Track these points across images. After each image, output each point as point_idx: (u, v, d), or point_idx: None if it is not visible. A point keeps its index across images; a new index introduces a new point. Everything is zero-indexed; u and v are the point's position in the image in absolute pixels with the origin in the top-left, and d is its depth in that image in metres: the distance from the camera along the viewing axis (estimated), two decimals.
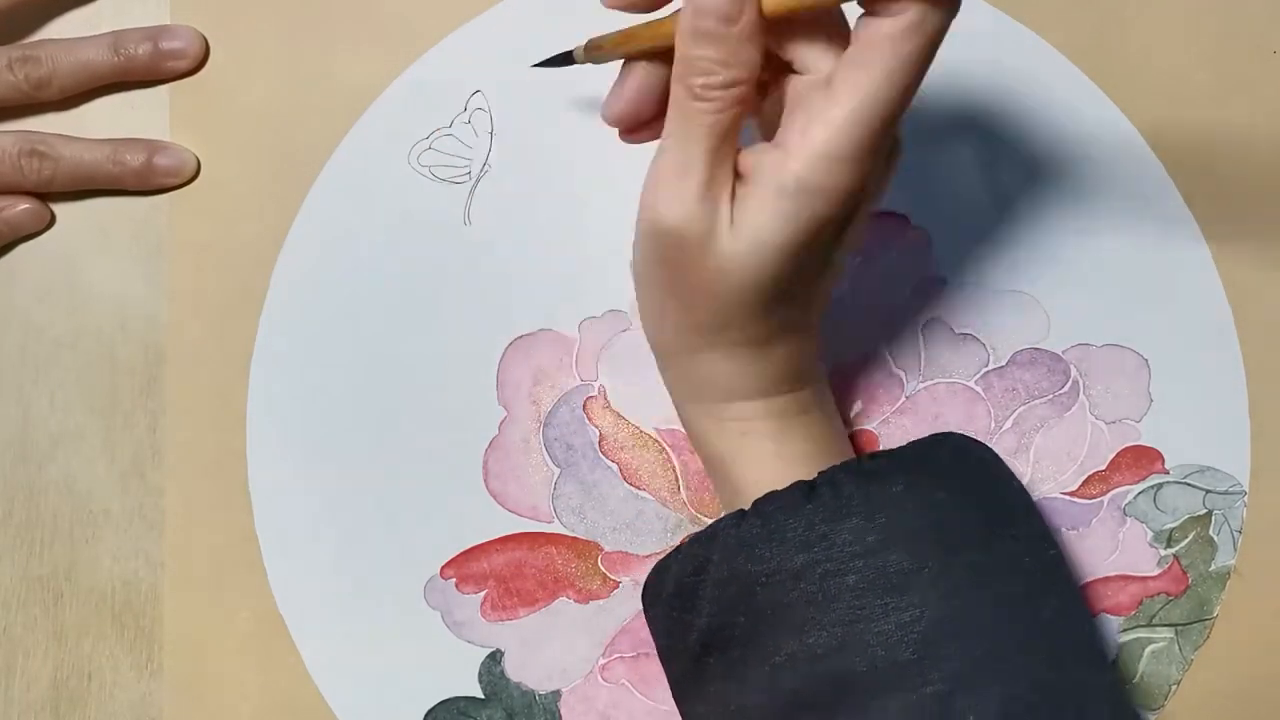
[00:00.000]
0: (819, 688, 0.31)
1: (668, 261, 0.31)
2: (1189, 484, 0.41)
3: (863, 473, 0.32)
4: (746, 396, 0.34)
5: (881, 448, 0.41)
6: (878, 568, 0.30)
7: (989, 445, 0.36)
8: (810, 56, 0.30)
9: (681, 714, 0.35)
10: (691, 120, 0.29)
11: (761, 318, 0.32)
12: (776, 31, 0.29)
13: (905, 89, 0.28)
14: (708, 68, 0.28)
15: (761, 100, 0.32)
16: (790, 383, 0.34)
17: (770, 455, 0.34)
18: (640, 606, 0.37)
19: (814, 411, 0.35)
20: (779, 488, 0.33)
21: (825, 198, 0.28)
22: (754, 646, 0.32)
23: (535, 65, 0.36)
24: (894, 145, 0.32)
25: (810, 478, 0.33)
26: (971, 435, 0.37)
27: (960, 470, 0.34)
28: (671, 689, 0.35)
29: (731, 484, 0.35)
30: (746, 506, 0.33)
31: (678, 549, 0.34)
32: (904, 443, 0.35)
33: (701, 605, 0.32)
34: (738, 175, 0.30)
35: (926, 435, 0.36)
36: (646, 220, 0.31)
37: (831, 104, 0.28)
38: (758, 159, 0.30)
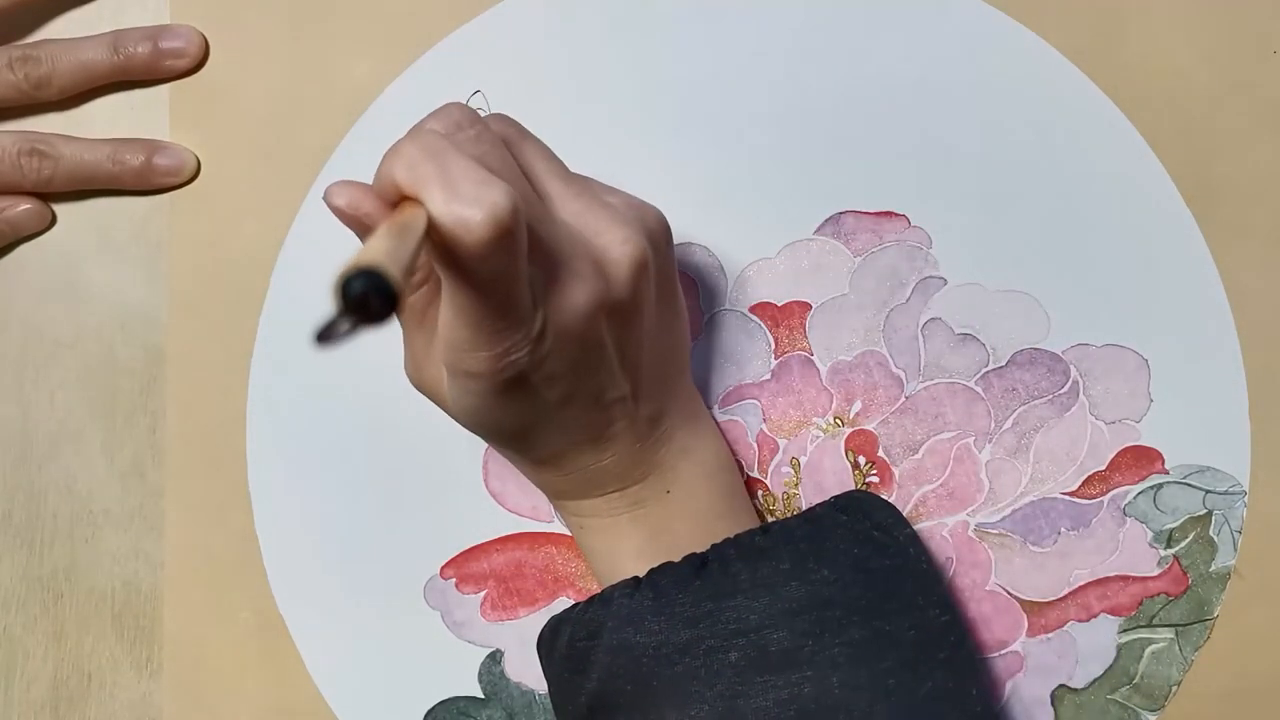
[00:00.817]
0: None
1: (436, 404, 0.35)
2: (1189, 484, 0.41)
3: (752, 550, 0.34)
4: (571, 497, 0.36)
5: (881, 449, 0.41)
6: (759, 646, 0.32)
7: (890, 504, 0.37)
8: None
9: None
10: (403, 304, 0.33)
11: (525, 447, 0.34)
12: None
13: (481, 300, 0.28)
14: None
15: None
16: (613, 484, 0.35)
17: (603, 548, 0.36)
18: None
19: (650, 504, 0.36)
20: (614, 580, 0.35)
21: (472, 378, 0.30)
22: (638, 715, 0.33)
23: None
24: (626, 253, 0.32)
25: (639, 573, 0.34)
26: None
27: (852, 541, 0.35)
28: None
29: (591, 568, 0.38)
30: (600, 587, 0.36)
31: (573, 606, 0.36)
32: (834, 494, 0.37)
33: (591, 670, 0.34)
34: None
35: (834, 497, 0.38)
36: (406, 374, 0.35)
37: (443, 301, 0.30)
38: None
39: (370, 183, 0.30)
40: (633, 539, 0.35)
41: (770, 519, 0.41)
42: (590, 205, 0.32)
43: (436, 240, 0.27)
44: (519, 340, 0.29)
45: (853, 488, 0.41)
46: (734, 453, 0.40)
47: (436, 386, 0.33)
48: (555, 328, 0.30)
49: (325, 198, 0.30)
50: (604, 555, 0.36)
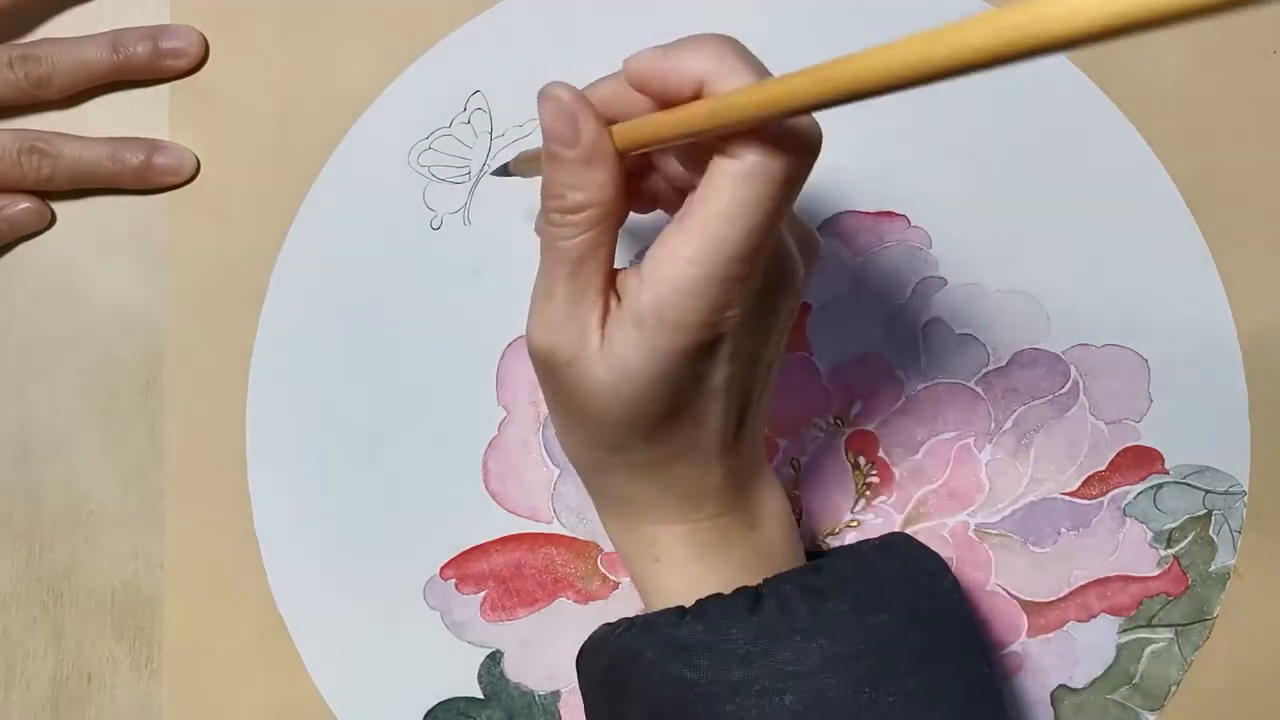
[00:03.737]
0: None
1: (548, 382, 0.31)
2: (1189, 484, 0.41)
3: (809, 589, 0.32)
4: (659, 520, 0.33)
5: (881, 449, 0.41)
6: (816, 691, 0.30)
7: (934, 552, 0.35)
8: (682, 178, 0.30)
9: None
10: (549, 244, 0.29)
11: (651, 441, 0.31)
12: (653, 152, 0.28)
13: (749, 231, 0.26)
14: (557, 191, 0.28)
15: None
16: (710, 506, 0.33)
17: (682, 585, 0.33)
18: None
19: (738, 543, 0.33)
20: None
21: (677, 330, 0.28)
22: None
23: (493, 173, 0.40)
24: (810, 247, 0.31)
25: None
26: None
27: (904, 588, 0.33)
28: None
29: (647, 602, 0.34)
30: None
31: (611, 628, 0.33)
32: (860, 538, 0.35)
33: (631, 700, 0.32)
34: (617, 296, 0.30)
35: (876, 539, 0.36)
36: (527, 342, 0.31)
37: (679, 239, 0.27)
38: (625, 283, 0.29)
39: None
40: (717, 576, 0.33)
41: None
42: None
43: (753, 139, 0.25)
44: (741, 298, 0.27)
45: (853, 488, 0.41)
46: None
47: (576, 356, 0.29)
48: (763, 298, 0.29)
49: (545, 90, 0.28)
50: (680, 593, 0.33)
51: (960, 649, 0.33)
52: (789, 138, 0.25)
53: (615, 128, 0.28)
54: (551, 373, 0.30)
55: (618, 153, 0.28)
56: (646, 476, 0.32)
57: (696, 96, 0.27)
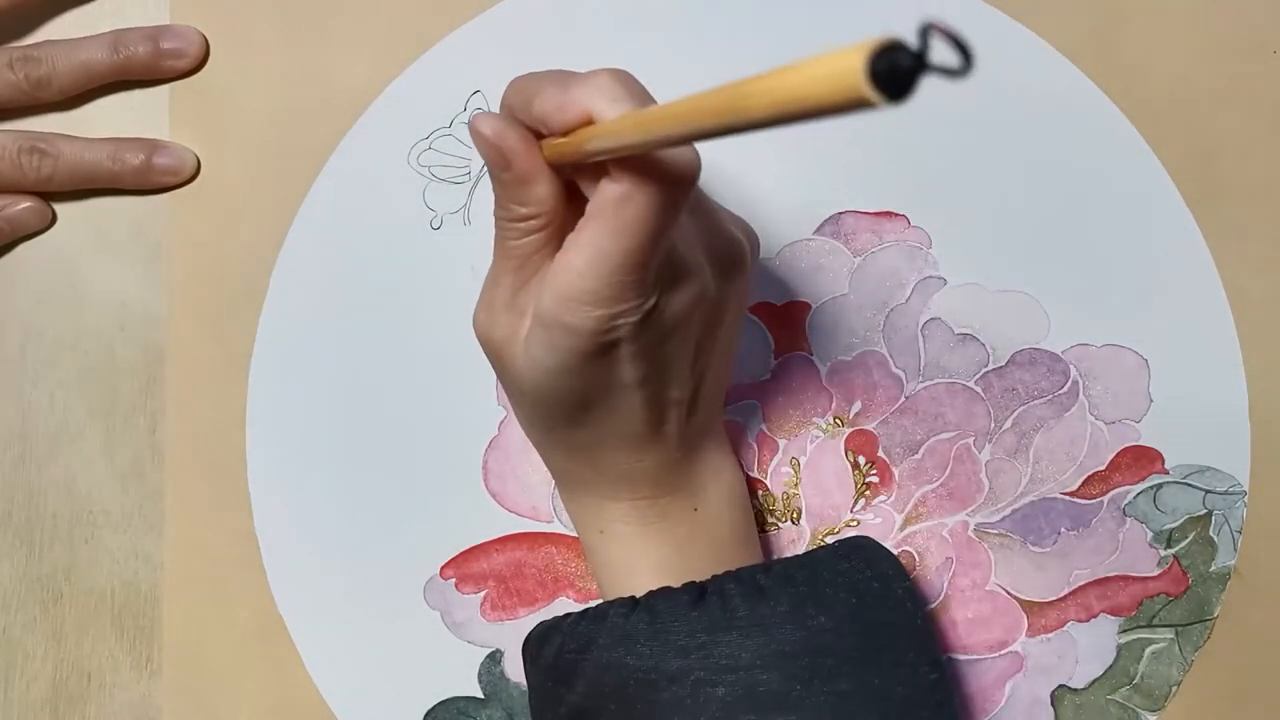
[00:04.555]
0: None
1: (491, 362, 0.34)
2: (1189, 484, 0.41)
3: (752, 587, 0.33)
4: (601, 495, 0.35)
5: (880, 449, 0.41)
6: (748, 684, 0.32)
7: (891, 554, 0.37)
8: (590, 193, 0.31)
9: None
10: (498, 242, 0.32)
11: (574, 426, 0.33)
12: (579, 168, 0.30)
13: (630, 250, 0.28)
14: (504, 203, 0.31)
15: None
16: (645, 488, 0.35)
17: (622, 559, 0.36)
18: None
19: (679, 522, 0.35)
20: (625, 595, 0.34)
21: (571, 333, 0.30)
22: None
23: None
24: (731, 258, 0.33)
25: (650, 587, 0.34)
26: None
27: (850, 590, 0.34)
28: None
29: (596, 577, 0.37)
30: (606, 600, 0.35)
31: (565, 616, 0.35)
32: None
33: (577, 683, 0.34)
34: None
35: (839, 541, 0.37)
36: (473, 322, 0.34)
37: (573, 250, 0.29)
38: (537, 285, 0.31)
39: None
40: (656, 552, 0.35)
41: (769, 519, 0.41)
42: (709, 201, 0.33)
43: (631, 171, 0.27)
44: (635, 305, 0.29)
45: (853, 488, 0.41)
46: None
47: (507, 338, 0.32)
48: (664, 306, 0.31)
49: (473, 125, 0.30)
50: (620, 567, 0.36)
51: (905, 655, 0.34)
52: (662, 166, 0.27)
53: (544, 143, 0.30)
54: (490, 353, 0.34)
55: (551, 166, 0.30)
56: (580, 457, 0.35)
57: (588, 124, 0.28)
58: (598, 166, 0.28)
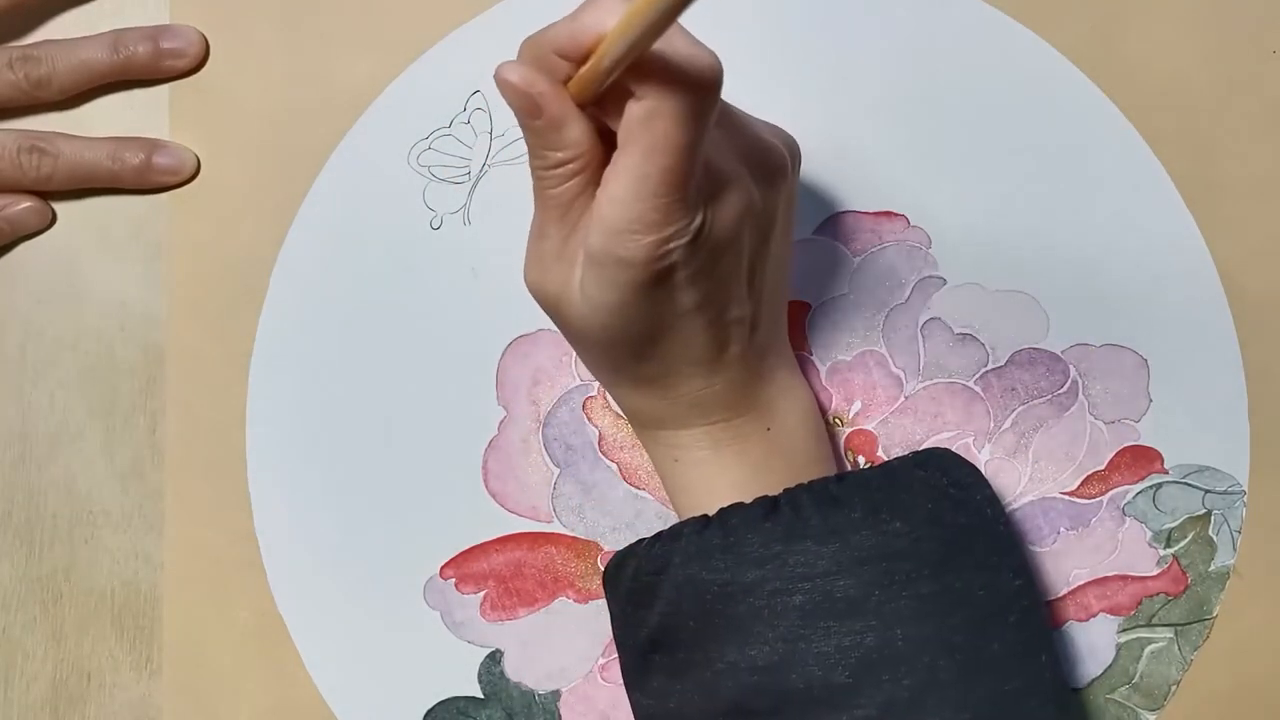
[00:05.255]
0: (755, 699, 0.32)
1: (550, 314, 0.34)
2: (1188, 484, 0.41)
3: (825, 496, 0.33)
4: (674, 425, 0.35)
5: (880, 449, 0.41)
6: (825, 591, 0.32)
7: (974, 465, 0.37)
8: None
9: (629, 699, 0.36)
10: (538, 194, 0.32)
11: (641, 361, 0.34)
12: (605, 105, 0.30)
13: (666, 167, 0.28)
14: (539, 152, 0.31)
15: None
16: (718, 412, 0.35)
17: (700, 482, 0.35)
18: None
19: (753, 442, 0.35)
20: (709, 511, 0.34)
21: (625, 266, 0.30)
22: (699, 650, 0.33)
23: None
24: (771, 165, 0.33)
25: (745, 501, 0.34)
26: (958, 450, 0.38)
27: (927, 496, 0.34)
28: (622, 674, 0.37)
29: (674, 503, 0.37)
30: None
31: (640, 541, 0.35)
32: (900, 447, 0.35)
33: (656, 604, 0.34)
34: None
35: (913, 453, 0.37)
36: (524, 277, 0.34)
37: (612, 180, 0.29)
38: (586, 226, 0.31)
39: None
40: (733, 473, 0.35)
41: None
42: (741, 113, 0.33)
43: (649, 79, 0.27)
44: (683, 227, 0.30)
45: None
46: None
47: (562, 288, 0.32)
48: (712, 222, 0.30)
49: (499, 75, 0.29)
50: (699, 490, 0.35)
51: (986, 561, 0.34)
52: (683, 73, 0.27)
53: (570, 84, 0.30)
54: (547, 306, 0.33)
55: (581, 107, 0.30)
56: (651, 391, 0.35)
57: None
58: (623, 99, 0.28)
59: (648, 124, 0.28)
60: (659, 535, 0.35)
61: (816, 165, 0.41)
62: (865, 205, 0.41)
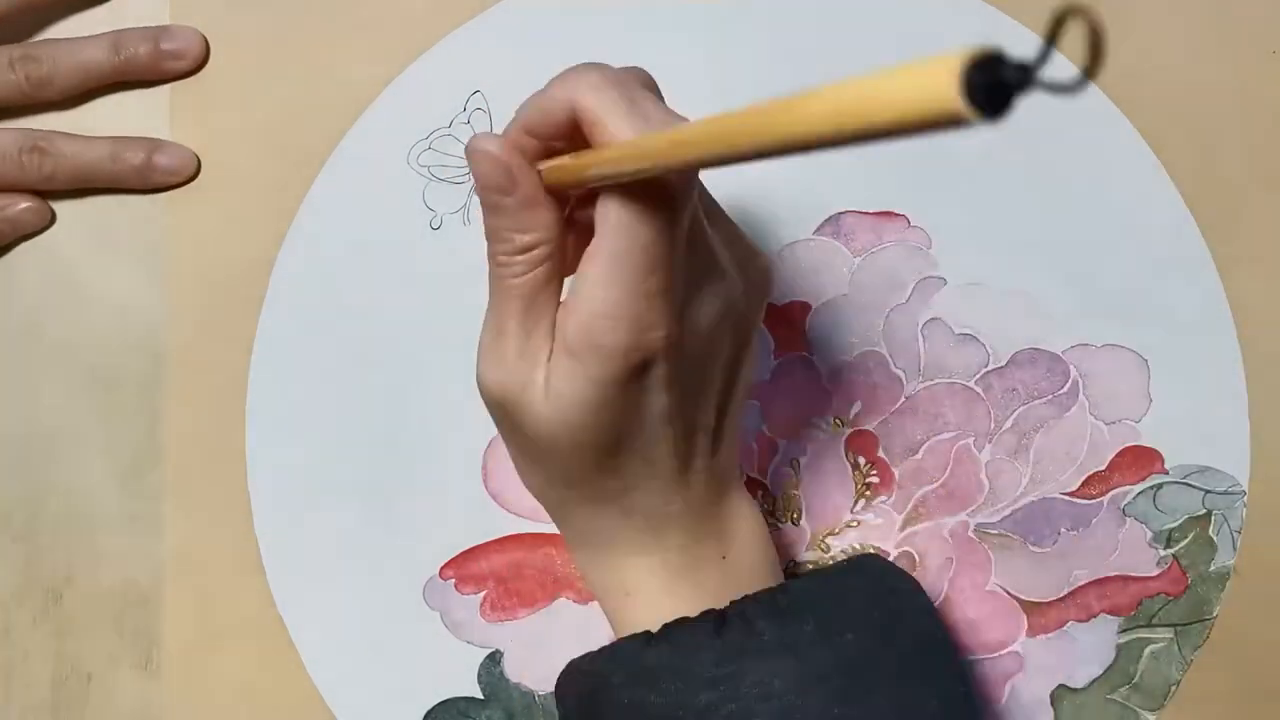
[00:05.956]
0: None
1: (502, 422, 0.32)
2: (1188, 484, 0.41)
3: (775, 610, 0.31)
4: (627, 552, 0.33)
5: (880, 449, 0.41)
6: (784, 711, 0.30)
7: (906, 572, 0.36)
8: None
9: None
10: (498, 285, 0.30)
11: (601, 472, 0.31)
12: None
13: (648, 242, 0.27)
14: (502, 235, 0.29)
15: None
16: (675, 535, 0.33)
17: (653, 624, 0.32)
18: None
19: (710, 572, 0.33)
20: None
21: (605, 355, 0.28)
22: None
23: None
24: (756, 268, 0.32)
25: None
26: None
27: (873, 606, 0.33)
28: None
29: (615, 629, 0.34)
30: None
31: (584, 658, 0.33)
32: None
33: None
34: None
35: (845, 559, 0.36)
36: (477, 383, 0.32)
37: (587, 264, 0.28)
38: (558, 317, 0.30)
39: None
40: (689, 606, 0.32)
41: (770, 520, 0.41)
42: (728, 220, 0.32)
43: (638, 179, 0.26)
44: (663, 317, 0.28)
45: (853, 488, 0.41)
46: None
47: (523, 390, 0.30)
48: (696, 315, 0.29)
49: (474, 145, 0.28)
50: (650, 625, 0.32)
51: (934, 669, 0.33)
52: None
53: (546, 170, 0.29)
54: (504, 411, 0.31)
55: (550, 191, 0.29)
56: (606, 510, 0.33)
57: (574, 123, 0.27)
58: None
59: (629, 204, 0.27)
60: (599, 652, 0.32)
61: (817, 165, 0.41)
62: (865, 205, 0.41)
